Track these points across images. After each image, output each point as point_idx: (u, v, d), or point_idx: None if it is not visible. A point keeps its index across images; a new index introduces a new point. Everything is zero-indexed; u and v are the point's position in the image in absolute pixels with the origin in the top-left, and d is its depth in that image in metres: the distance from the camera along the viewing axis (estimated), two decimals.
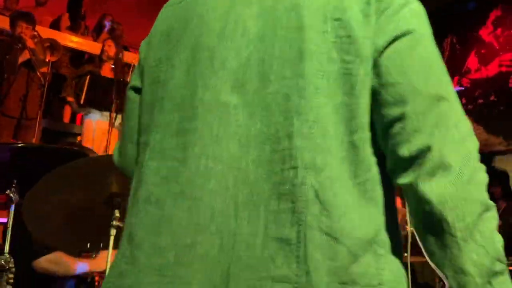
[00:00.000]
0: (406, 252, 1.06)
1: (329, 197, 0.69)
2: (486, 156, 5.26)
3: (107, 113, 4.67)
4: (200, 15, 0.83)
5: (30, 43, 4.39)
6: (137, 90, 0.91)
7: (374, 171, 0.73)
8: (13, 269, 1.61)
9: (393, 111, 0.72)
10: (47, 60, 4.55)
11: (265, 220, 0.69)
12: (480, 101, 5.45)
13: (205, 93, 0.77)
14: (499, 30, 5.37)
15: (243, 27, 0.78)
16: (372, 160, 0.73)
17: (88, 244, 1.90)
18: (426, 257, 0.74)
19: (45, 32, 5.60)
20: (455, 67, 5.75)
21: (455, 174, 0.68)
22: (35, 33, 4.59)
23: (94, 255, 2.38)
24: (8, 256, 1.59)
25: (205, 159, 0.74)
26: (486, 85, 5.42)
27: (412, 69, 0.72)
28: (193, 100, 0.78)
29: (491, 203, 0.71)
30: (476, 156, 0.71)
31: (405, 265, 0.75)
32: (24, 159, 1.65)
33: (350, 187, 0.71)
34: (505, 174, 4.90)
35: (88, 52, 6.39)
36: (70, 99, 5.10)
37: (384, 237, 0.73)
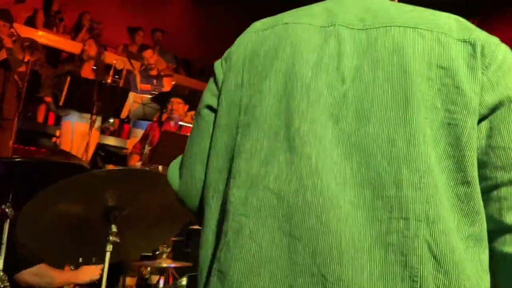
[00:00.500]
0: None
1: (445, 253, 0.66)
2: None
3: (86, 115, 4.57)
4: (293, 45, 0.80)
5: (7, 42, 4.25)
6: (213, 110, 0.88)
7: (478, 227, 0.70)
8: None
9: (501, 176, 0.71)
10: (25, 60, 4.41)
11: (370, 270, 0.66)
12: None
13: (302, 124, 0.74)
14: None
15: (339, 62, 0.77)
16: (477, 216, 0.70)
17: (80, 259, 1.85)
18: None
19: (21, 29, 5.44)
20: None
21: None
22: (13, 30, 4.45)
23: (72, 268, 2.33)
24: (2, 274, 1.53)
25: (303, 193, 0.70)
26: None
27: None
28: (288, 131, 0.75)
29: None
30: None
31: None
32: (20, 173, 1.59)
33: (459, 241, 0.68)
34: None
35: (66, 51, 6.25)
36: (48, 99, 4.96)
37: None
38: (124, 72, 5.35)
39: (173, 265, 2.53)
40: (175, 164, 0.95)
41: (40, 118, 6.06)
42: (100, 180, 1.68)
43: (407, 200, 0.68)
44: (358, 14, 0.81)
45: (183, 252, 3.07)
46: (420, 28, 0.75)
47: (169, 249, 2.64)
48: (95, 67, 4.80)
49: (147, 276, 2.87)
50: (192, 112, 4.70)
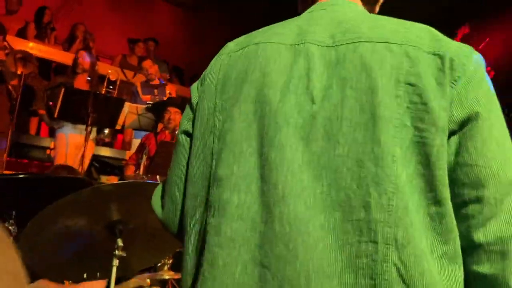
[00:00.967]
0: None
1: (414, 276, 0.65)
2: None
3: (80, 126, 4.53)
4: (262, 66, 0.79)
5: (0, 54, 4.21)
6: (189, 135, 0.87)
7: (452, 246, 0.69)
8: None
9: (469, 193, 0.70)
10: (18, 72, 4.37)
11: None
12: None
13: (270, 151, 0.74)
14: None
15: (308, 82, 0.75)
16: (450, 234, 0.69)
17: (85, 274, 1.82)
18: None
19: (13, 40, 5.39)
20: None
21: None
22: (6, 43, 4.41)
23: (70, 282, 2.29)
24: None
25: (271, 222, 0.70)
26: None
27: (492, 153, 0.70)
28: (259, 158, 0.74)
29: None
30: None
31: None
32: (23, 190, 1.56)
33: (431, 262, 0.67)
34: None
35: (58, 62, 6.20)
36: (41, 112, 4.91)
37: None
38: (118, 83, 5.32)
39: (175, 277, 2.51)
40: (158, 191, 0.95)
41: (33, 130, 6.00)
42: (105, 194, 1.65)
43: (376, 223, 0.67)
44: (329, 29, 0.80)
45: None
46: (389, 43, 0.74)
47: (170, 261, 2.61)
48: (89, 78, 4.76)
49: None
50: None
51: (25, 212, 1.55)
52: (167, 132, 4.44)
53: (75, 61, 4.88)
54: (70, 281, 2.32)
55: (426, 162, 0.69)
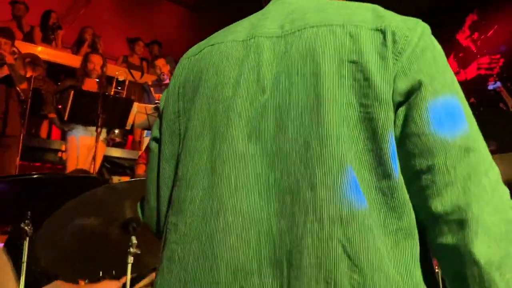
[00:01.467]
0: None
1: (359, 252, 0.65)
2: None
3: (91, 128, 4.56)
4: (215, 65, 0.82)
5: (9, 59, 4.24)
6: (158, 141, 0.90)
7: (407, 220, 0.68)
8: None
9: (420, 163, 0.68)
10: (28, 75, 4.41)
11: (288, 277, 0.66)
12: None
13: (222, 145, 0.75)
14: (476, 35, 5.52)
15: (258, 74, 0.77)
16: (403, 208, 0.68)
17: (101, 272, 1.83)
18: None
19: (21, 45, 5.44)
20: None
21: (496, 232, 0.64)
22: (15, 49, 4.45)
23: (86, 282, 2.31)
24: None
25: (224, 214, 0.71)
26: (466, 88, 5.55)
27: (438, 120, 0.68)
28: (211, 154, 0.76)
29: None
30: (509, 205, 0.67)
31: None
32: (36, 190, 1.58)
33: (382, 239, 0.66)
34: None
35: (67, 65, 6.25)
36: (52, 115, 4.95)
37: None
38: (127, 83, 5.34)
39: None
40: (142, 197, 0.98)
41: (44, 134, 6.05)
42: (118, 192, 1.66)
43: (321, 201, 0.67)
44: (279, 20, 0.81)
45: None
46: (332, 25, 0.75)
47: None
48: (97, 80, 4.79)
49: None
50: None
51: (40, 213, 1.57)
52: None
53: (86, 63, 4.90)
54: (86, 281, 2.34)
55: (374, 138, 0.69)
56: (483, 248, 0.63)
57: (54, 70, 6.21)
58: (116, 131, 5.20)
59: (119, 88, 5.21)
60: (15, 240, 1.86)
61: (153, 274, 2.72)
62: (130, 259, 1.66)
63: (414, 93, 0.69)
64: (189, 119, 0.81)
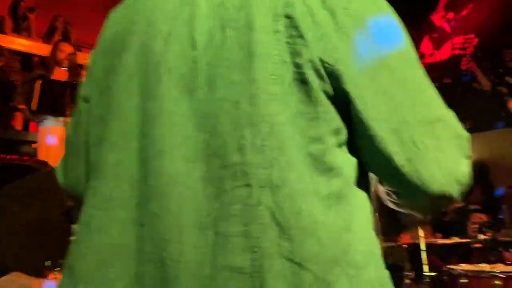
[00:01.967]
0: None
1: (289, 218, 0.62)
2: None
3: (61, 118, 4.49)
4: (146, 17, 0.76)
5: None
6: (87, 100, 0.83)
7: (339, 184, 0.67)
8: None
9: (370, 116, 0.67)
10: None
11: (213, 246, 0.62)
12: (436, 84, 5.58)
13: (151, 104, 0.70)
14: (450, 14, 5.50)
15: (191, 28, 0.72)
16: (339, 170, 0.67)
17: (47, 262, 1.81)
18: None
19: None
20: None
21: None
22: None
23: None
24: None
25: (148, 178, 0.67)
26: (440, 68, 5.56)
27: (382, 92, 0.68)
28: (139, 112, 0.71)
29: None
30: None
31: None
32: None
33: (315, 203, 0.64)
34: None
35: (38, 55, 6.14)
36: (21, 106, 4.87)
37: (356, 254, 0.66)
38: None
39: None
40: (61, 160, 0.91)
41: (19, 125, 5.96)
42: (55, 179, 1.63)
43: (250, 165, 0.63)
44: None
45: None
46: None
47: None
48: (66, 68, 4.71)
49: None
50: None
51: None
52: None
53: (55, 52, 4.81)
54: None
55: (307, 100, 0.66)
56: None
57: (28, 61, 6.11)
58: None
59: None
60: None
61: None
62: None
63: (347, 52, 0.67)
64: (117, 75, 0.75)
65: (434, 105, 0.73)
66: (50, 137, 4.59)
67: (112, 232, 0.67)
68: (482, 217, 3.94)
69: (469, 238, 3.78)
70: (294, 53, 0.66)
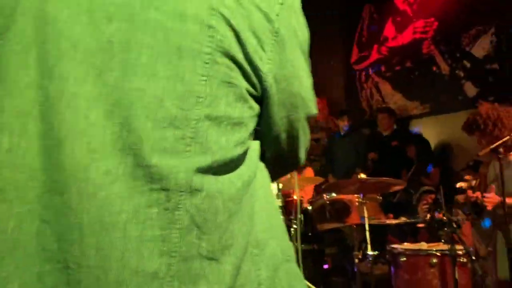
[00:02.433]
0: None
1: (208, 219, 0.62)
2: (404, 121, 5.52)
3: None
4: None
5: None
6: None
7: (249, 171, 0.68)
8: None
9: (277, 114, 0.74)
10: None
11: (122, 249, 0.58)
12: (397, 68, 5.68)
13: (48, 82, 0.61)
14: None
15: None
16: (248, 161, 0.69)
17: None
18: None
19: None
20: (374, 35, 5.93)
21: None
22: None
23: None
24: None
25: (47, 168, 0.60)
26: (402, 52, 5.65)
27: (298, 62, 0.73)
28: (37, 92, 0.62)
29: None
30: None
31: None
32: None
33: (230, 200, 0.64)
34: (419, 137, 5.19)
35: None
36: None
37: (257, 234, 0.68)
38: None
39: None
40: None
41: None
42: None
43: (170, 169, 0.60)
44: None
45: None
46: None
47: None
48: None
49: None
50: None
51: None
52: None
53: None
54: None
55: (234, 103, 0.65)
56: None
57: None
58: None
59: None
60: None
61: None
62: None
63: (275, 57, 0.68)
64: (10, 42, 0.63)
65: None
66: None
67: (7, 227, 0.60)
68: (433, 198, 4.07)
69: (419, 218, 3.90)
70: (225, 54, 0.63)
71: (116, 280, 0.57)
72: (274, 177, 0.81)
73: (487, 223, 2.95)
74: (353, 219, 3.29)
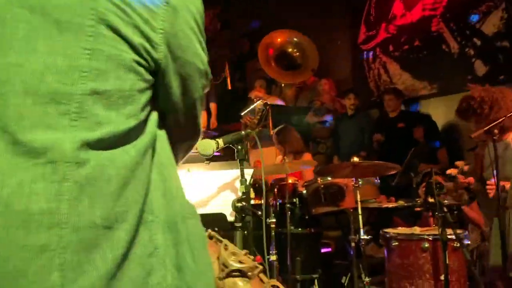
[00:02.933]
0: None
1: (100, 188, 0.62)
2: (412, 101, 5.38)
3: None
4: None
5: None
6: None
7: (147, 138, 0.69)
8: None
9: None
10: None
11: (6, 225, 0.58)
12: (406, 47, 5.51)
13: None
14: None
15: None
16: (147, 128, 0.70)
17: None
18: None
19: None
20: (382, 14, 5.75)
21: None
22: None
23: None
24: None
25: None
26: (411, 30, 5.47)
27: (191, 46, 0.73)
28: None
29: None
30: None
31: None
32: None
33: (124, 167, 0.65)
34: (428, 117, 5.05)
35: None
36: None
37: (153, 201, 0.69)
38: None
39: None
40: None
41: None
42: None
43: (53, 142, 0.60)
44: None
45: None
46: None
47: None
48: None
49: None
50: None
51: None
52: None
53: None
54: None
55: (125, 76, 0.64)
56: None
57: None
58: None
59: None
60: None
61: None
62: None
63: (168, 33, 0.69)
64: None
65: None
66: None
67: None
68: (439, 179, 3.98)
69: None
70: (110, 26, 0.62)
71: (2, 256, 0.57)
72: (179, 149, 0.82)
73: None
74: (348, 202, 3.24)
